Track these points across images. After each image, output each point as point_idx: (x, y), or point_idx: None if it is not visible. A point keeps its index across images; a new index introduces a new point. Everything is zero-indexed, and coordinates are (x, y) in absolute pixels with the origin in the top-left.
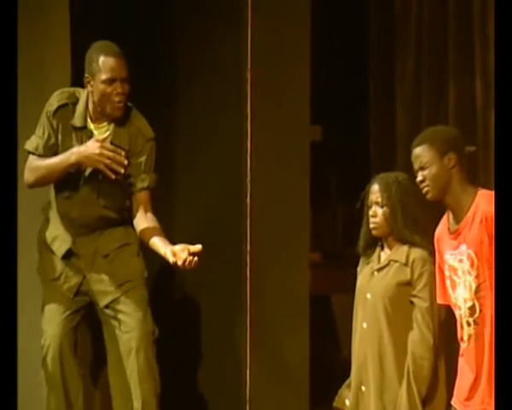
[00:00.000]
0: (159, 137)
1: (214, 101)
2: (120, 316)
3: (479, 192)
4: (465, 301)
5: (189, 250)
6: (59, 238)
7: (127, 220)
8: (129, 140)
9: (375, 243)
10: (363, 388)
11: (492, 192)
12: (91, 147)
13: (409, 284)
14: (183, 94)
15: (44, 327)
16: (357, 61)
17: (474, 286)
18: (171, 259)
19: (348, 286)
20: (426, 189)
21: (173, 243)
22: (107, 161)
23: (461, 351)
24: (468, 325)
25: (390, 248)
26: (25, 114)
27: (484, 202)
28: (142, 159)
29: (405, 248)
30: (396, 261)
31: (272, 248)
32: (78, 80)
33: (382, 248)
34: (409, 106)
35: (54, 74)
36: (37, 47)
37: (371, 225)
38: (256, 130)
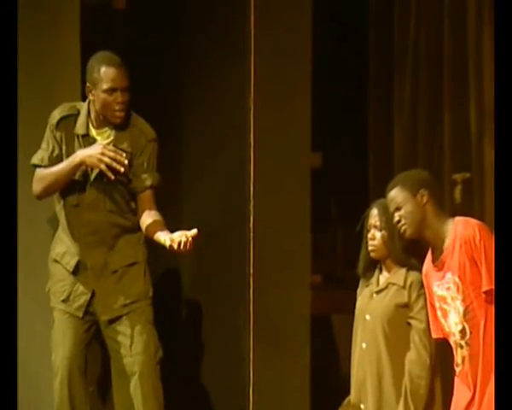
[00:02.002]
0: (164, 164)
1: (219, 129)
2: (123, 338)
3: (455, 220)
4: (456, 325)
5: (186, 235)
6: (68, 253)
7: (135, 230)
8: (131, 142)
9: (374, 265)
10: (362, 406)
11: (468, 218)
12: (94, 148)
13: (406, 306)
14: (189, 122)
15: (55, 349)
16: (356, 91)
17: (461, 309)
18: (167, 243)
19: (348, 307)
20: (403, 227)
21: (179, 265)
22: (108, 161)
23: (457, 373)
24: (461, 347)
25: (388, 270)
26: (29, 130)
27: (460, 228)
28: (145, 158)
29: (403, 271)
30: (394, 284)
31: (275, 271)
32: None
33: (381, 271)
34: (406, 134)
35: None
36: (46, 65)
37: (370, 248)
38: (259, 157)
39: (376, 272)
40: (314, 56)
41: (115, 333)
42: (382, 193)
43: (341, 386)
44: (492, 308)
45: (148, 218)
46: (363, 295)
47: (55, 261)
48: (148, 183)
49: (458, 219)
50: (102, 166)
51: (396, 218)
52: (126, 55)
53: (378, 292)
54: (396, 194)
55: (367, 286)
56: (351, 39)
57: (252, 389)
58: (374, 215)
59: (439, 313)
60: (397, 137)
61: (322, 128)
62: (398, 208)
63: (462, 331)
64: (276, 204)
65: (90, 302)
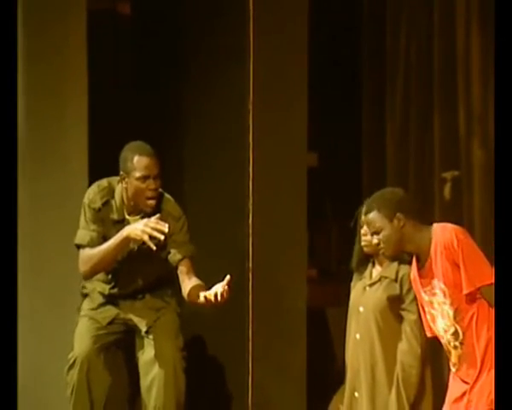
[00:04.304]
0: (167, 167)
1: (219, 131)
2: (153, 330)
3: (433, 228)
4: (445, 330)
5: (222, 286)
6: (102, 307)
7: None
8: None
9: (367, 260)
10: (356, 394)
11: (445, 224)
12: (139, 222)
13: (398, 298)
14: (191, 124)
15: (75, 344)
16: (351, 94)
17: (451, 313)
18: (202, 299)
19: (342, 300)
20: (382, 250)
21: None
22: (149, 231)
23: (454, 371)
24: (455, 348)
25: (381, 264)
26: (35, 129)
27: (439, 234)
28: (175, 236)
29: (395, 264)
30: (386, 277)
31: (273, 265)
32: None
33: (374, 265)
34: (398, 136)
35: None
36: (53, 70)
37: (363, 243)
38: (257, 157)
39: (369, 266)
40: (310, 61)
41: (147, 332)
42: (375, 191)
43: (336, 375)
44: (481, 302)
45: (187, 286)
46: (357, 289)
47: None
48: (181, 255)
49: (436, 226)
50: (145, 237)
51: (375, 240)
52: (130, 59)
53: (371, 285)
54: (373, 219)
55: (360, 280)
56: (345, 45)
57: (251, 378)
58: None
59: (428, 316)
60: (389, 138)
61: (318, 129)
62: (376, 232)
63: (455, 334)
64: (273, 202)
65: (117, 314)
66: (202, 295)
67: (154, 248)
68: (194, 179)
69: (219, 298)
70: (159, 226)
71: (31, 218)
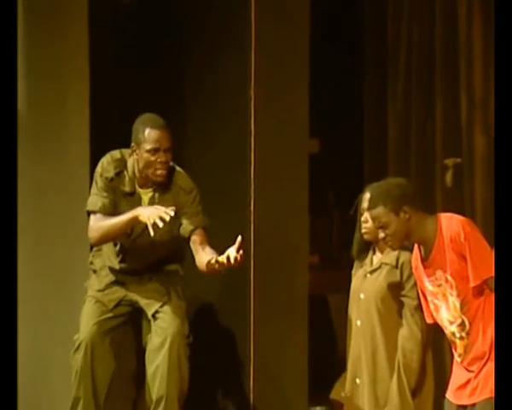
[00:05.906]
0: None
1: (221, 118)
2: (160, 315)
3: (438, 218)
4: (451, 322)
5: (235, 249)
6: (109, 288)
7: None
8: (173, 200)
9: (367, 246)
10: (357, 380)
11: (451, 214)
12: (153, 207)
13: (399, 284)
14: (192, 112)
15: (80, 327)
16: (352, 80)
17: (458, 304)
18: (217, 266)
19: (344, 287)
20: (389, 243)
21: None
22: (155, 217)
23: (459, 361)
24: (462, 339)
25: (381, 251)
26: (36, 123)
27: (446, 225)
28: (186, 209)
29: (395, 251)
30: (387, 264)
31: (274, 252)
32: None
33: (374, 252)
34: (399, 122)
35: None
36: (55, 59)
37: (363, 230)
38: (259, 143)
39: (370, 253)
40: (312, 47)
41: (154, 317)
42: (376, 178)
43: (337, 361)
44: (488, 293)
45: (202, 257)
46: (358, 276)
47: (94, 270)
48: (194, 226)
49: (442, 216)
50: (148, 222)
51: (381, 234)
52: (132, 44)
53: (372, 272)
54: (379, 214)
55: (361, 267)
56: (347, 32)
57: (253, 365)
58: (367, 199)
59: (431, 306)
60: (391, 125)
61: (319, 116)
62: (382, 227)
63: (462, 324)
64: (275, 188)
65: (124, 296)
66: (214, 260)
67: (152, 234)
68: (195, 167)
69: (232, 261)
70: (163, 215)
71: (31, 204)
